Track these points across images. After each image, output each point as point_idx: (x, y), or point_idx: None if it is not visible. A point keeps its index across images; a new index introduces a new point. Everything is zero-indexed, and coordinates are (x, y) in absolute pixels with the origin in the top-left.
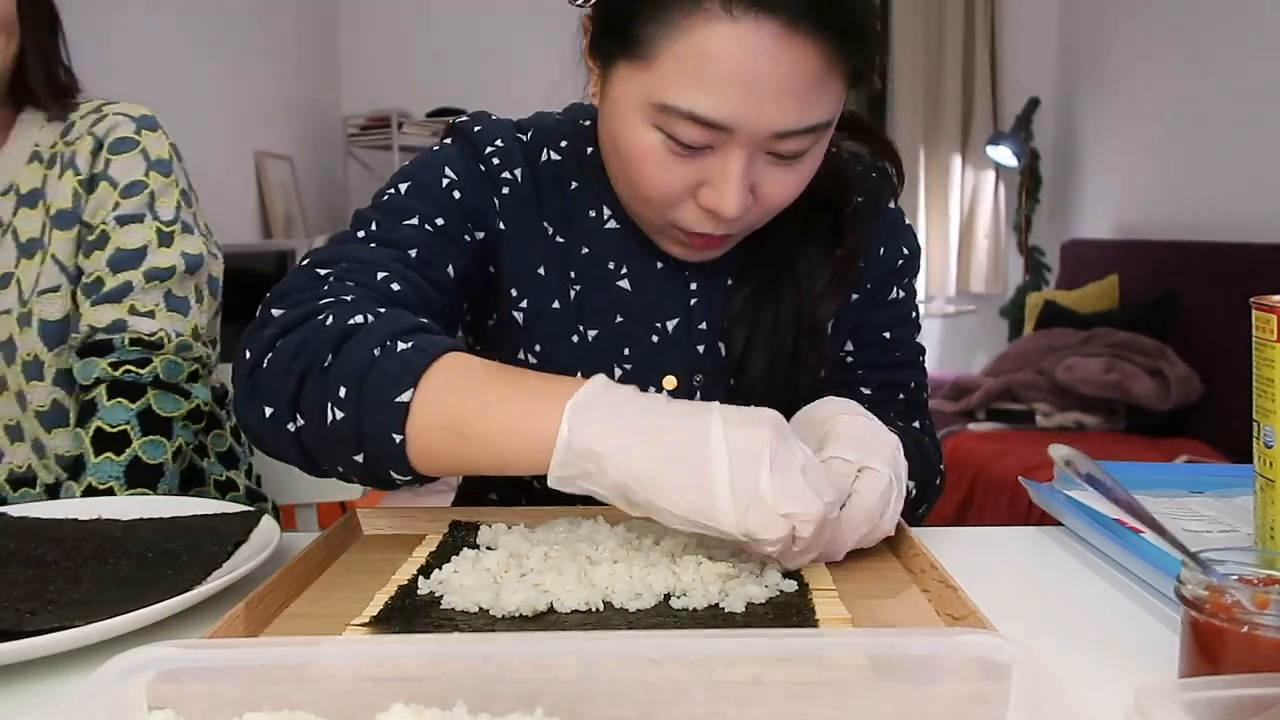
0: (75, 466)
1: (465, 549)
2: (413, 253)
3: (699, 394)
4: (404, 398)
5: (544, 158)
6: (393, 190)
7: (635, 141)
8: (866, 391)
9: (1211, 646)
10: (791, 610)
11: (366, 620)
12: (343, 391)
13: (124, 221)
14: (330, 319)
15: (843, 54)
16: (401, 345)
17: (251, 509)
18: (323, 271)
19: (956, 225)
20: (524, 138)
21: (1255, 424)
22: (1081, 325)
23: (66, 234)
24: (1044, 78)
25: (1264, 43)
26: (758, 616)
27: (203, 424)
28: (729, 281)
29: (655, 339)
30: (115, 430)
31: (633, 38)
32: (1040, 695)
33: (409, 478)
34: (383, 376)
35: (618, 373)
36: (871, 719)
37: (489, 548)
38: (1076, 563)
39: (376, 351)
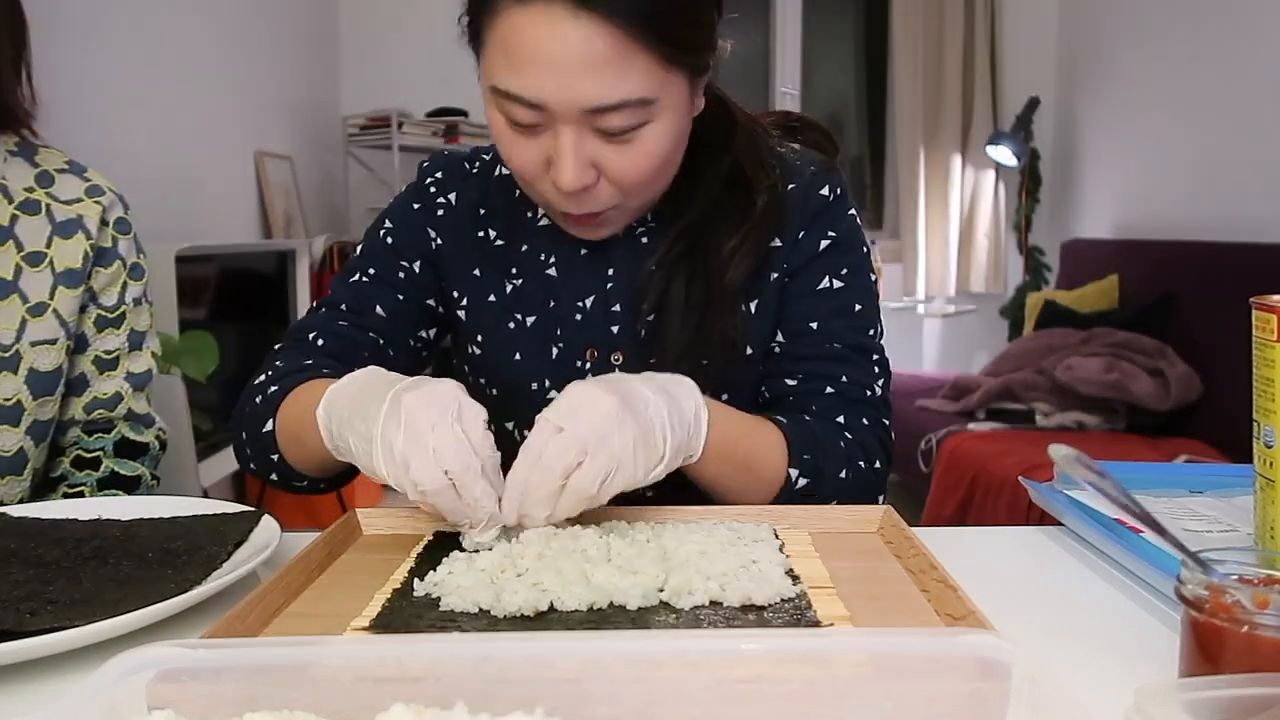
0: None
1: (455, 551)
2: (343, 306)
3: (617, 372)
4: (268, 428)
5: (496, 173)
6: (357, 251)
7: (492, 123)
8: (790, 383)
9: (1211, 646)
10: (791, 609)
11: (367, 624)
12: (245, 435)
13: (137, 303)
14: (253, 381)
15: (642, 34)
16: (271, 389)
17: (252, 509)
18: (276, 347)
19: (956, 225)
20: (486, 158)
21: (1255, 424)
22: (1081, 325)
23: (72, 293)
24: (1044, 78)
25: (1264, 42)
26: (757, 614)
27: None
28: (653, 267)
29: (579, 317)
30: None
31: (473, 30)
32: (1040, 695)
33: (304, 484)
34: (258, 415)
35: (554, 351)
36: (871, 719)
37: (476, 550)
38: (1076, 563)
39: (258, 400)
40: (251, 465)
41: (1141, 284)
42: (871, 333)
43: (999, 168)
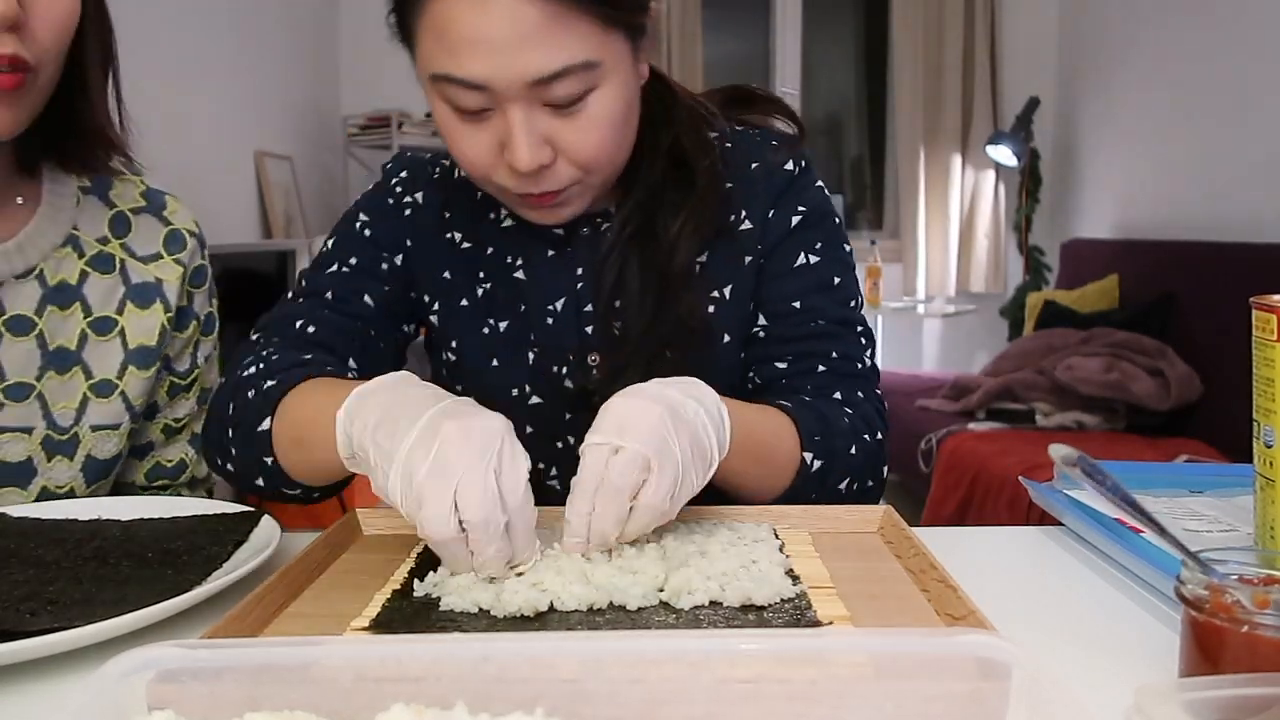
0: None
1: None
2: (329, 295)
3: (594, 373)
4: (264, 426)
5: (457, 174)
6: (324, 246)
7: (438, 117)
8: (781, 366)
9: (1211, 646)
10: (791, 609)
11: (366, 624)
12: (232, 432)
13: (208, 360)
14: (240, 372)
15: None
16: (268, 384)
17: (252, 509)
18: (254, 337)
19: (956, 225)
20: (446, 163)
21: (1255, 424)
22: (1081, 325)
23: (144, 373)
24: (1044, 78)
25: (1264, 43)
26: (757, 614)
27: None
28: (609, 250)
29: (550, 321)
30: None
31: (402, 26)
32: (1040, 695)
33: (298, 491)
34: (251, 413)
35: (530, 356)
36: (871, 719)
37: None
38: (1076, 563)
39: (251, 394)
40: (231, 467)
41: (1141, 284)
42: (853, 304)
43: (999, 168)
